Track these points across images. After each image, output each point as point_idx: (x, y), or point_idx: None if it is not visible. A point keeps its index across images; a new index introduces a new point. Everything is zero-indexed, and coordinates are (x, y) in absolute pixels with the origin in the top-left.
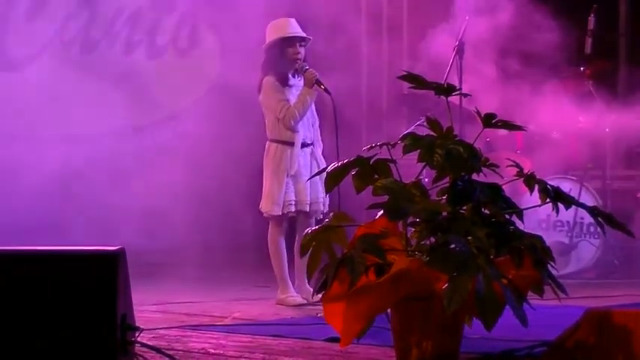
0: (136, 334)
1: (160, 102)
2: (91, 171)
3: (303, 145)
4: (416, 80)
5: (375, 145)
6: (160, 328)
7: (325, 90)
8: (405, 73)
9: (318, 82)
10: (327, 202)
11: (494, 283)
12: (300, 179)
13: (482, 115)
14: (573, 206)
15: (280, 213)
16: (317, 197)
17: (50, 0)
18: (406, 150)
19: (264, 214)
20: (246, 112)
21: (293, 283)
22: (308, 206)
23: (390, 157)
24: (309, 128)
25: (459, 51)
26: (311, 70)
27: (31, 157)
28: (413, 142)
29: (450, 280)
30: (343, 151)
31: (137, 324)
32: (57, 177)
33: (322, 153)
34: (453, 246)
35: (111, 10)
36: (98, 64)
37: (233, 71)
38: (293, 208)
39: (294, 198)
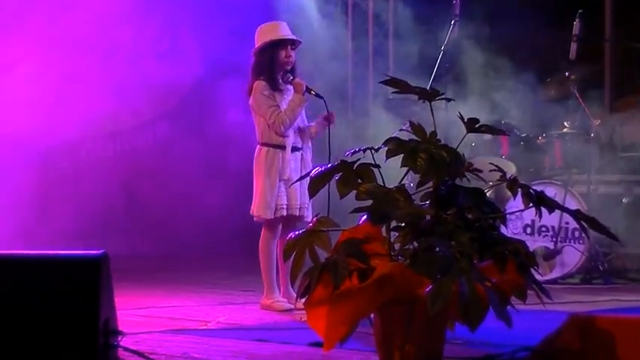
0: (119, 338)
1: (140, 107)
2: (72, 175)
3: (293, 149)
4: (399, 85)
5: (359, 150)
6: (143, 333)
7: (317, 95)
8: (388, 77)
9: (308, 89)
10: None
11: (478, 286)
12: (290, 183)
13: (466, 120)
14: (558, 211)
15: (272, 217)
16: (305, 202)
17: (32, 5)
18: (389, 154)
19: (255, 218)
20: (229, 117)
21: (278, 288)
22: (297, 210)
23: (373, 162)
24: (298, 132)
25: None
26: (298, 79)
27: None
28: (396, 146)
29: (433, 283)
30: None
31: (120, 328)
32: (38, 181)
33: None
34: (437, 249)
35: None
36: (82, 68)
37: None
38: (285, 212)
39: (285, 202)
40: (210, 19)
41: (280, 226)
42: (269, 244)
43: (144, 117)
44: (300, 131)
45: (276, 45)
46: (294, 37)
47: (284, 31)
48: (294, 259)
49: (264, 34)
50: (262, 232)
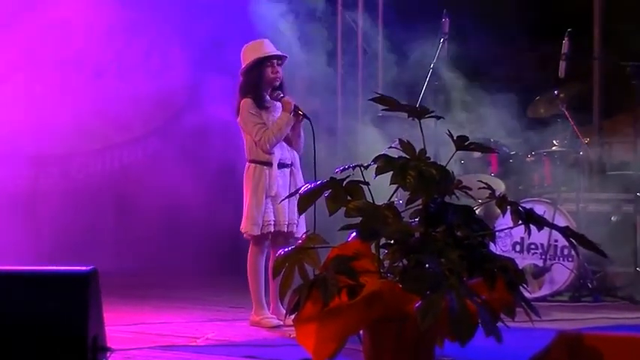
0: (108, 355)
1: (130, 122)
2: (62, 191)
3: (282, 165)
4: (388, 102)
5: (348, 167)
6: (132, 349)
7: (304, 116)
8: (377, 95)
9: (296, 109)
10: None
11: (468, 301)
12: (278, 200)
13: (455, 137)
14: (547, 229)
15: (259, 233)
16: (293, 218)
17: (21, 19)
18: (379, 171)
19: (245, 235)
20: (217, 134)
21: (268, 305)
22: (286, 227)
23: (362, 179)
24: (288, 149)
25: (434, 73)
26: (287, 97)
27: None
28: (385, 163)
29: (423, 299)
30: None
31: (109, 344)
32: (25, 196)
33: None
34: (426, 266)
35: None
36: (69, 82)
37: (207, 92)
38: (272, 229)
39: (273, 218)
40: (199, 34)
41: (268, 243)
42: (256, 261)
43: (134, 132)
44: (288, 140)
45: (262, 62)
46: (279, 53)
47: (268, 48)
48: (283, 275)
49: (249, 54)
50: (250, 249)
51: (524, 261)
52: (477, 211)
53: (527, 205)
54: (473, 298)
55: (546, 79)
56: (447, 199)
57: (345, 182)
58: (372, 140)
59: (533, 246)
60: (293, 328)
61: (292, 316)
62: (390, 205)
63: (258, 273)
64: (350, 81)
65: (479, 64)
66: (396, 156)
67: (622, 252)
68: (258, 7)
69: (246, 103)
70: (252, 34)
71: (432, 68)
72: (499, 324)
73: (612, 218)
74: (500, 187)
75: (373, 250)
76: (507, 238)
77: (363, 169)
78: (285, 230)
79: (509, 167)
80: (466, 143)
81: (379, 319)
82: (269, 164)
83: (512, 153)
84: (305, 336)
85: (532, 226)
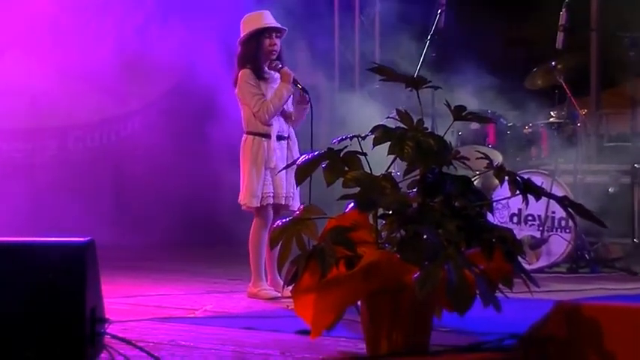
0: (106, 326)
1: (127, 94)
2: (60, 164)
3: (280, 137)
4: (386, 72)
5: (346, 138)
6: (131, 321)
7: (302, 89)
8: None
9: (295, 81)
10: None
11: (466, 272)
12: (276, 172)
13: (453, 108)
14: (545, 200)
15: (259, 205)
16: (291, 191)
17: None
18: (376, 142)
19: (243, 207)
20: (214, 106)
21: (266, 276)
22: (284, 199)
23: (360, 150)
24: (284, 121)
25: (432, 43)
26: (286, 68)
27: None
28: (383, 134)
29: (421, 269)
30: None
31: (107, 316)
32: (23, 169)
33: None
34: (424, 237)
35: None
36: (66, 54)
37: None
38: (271, 200)
39: (272, 190)
40: (197, 4)
41: (271, 214)
42: (259, 233)
43: (131, 105)
44: (285, 116)
45: (261, 34)
46: (278, 26)
47: (268, 20)
48: (281, 247)
49: (248, 24)
50: (253, 221)
51: (521, 232)
52: (474, 182)
53: (525, 177)
54: (471, 269)
55: (544, 51)
56: (444, 169)
57: (342, 153)
58: (369, 112)
59: (530, 217)
60: (291, 300)
61: (290, 288)
62: (388, 176)
63: (260, 245)
64: (347, 53)
65: (475, 35)
66: (394, 126)
67: (619, 223)
68: None
69: (245, 73)
70: (250, 5)
71: (429, 40)
72: (497, 294)
73: (610, 190)
74: (497, 158)
75: (371, 221)
76: (505, 209)
77: (360, 139)
78: (283, 203)
79: (506, 139)
80: (464, 113)
81: (377, 289)
82: (267, 136)
83: (509, 124)
84: (303, 307)
85: (530, 197)
